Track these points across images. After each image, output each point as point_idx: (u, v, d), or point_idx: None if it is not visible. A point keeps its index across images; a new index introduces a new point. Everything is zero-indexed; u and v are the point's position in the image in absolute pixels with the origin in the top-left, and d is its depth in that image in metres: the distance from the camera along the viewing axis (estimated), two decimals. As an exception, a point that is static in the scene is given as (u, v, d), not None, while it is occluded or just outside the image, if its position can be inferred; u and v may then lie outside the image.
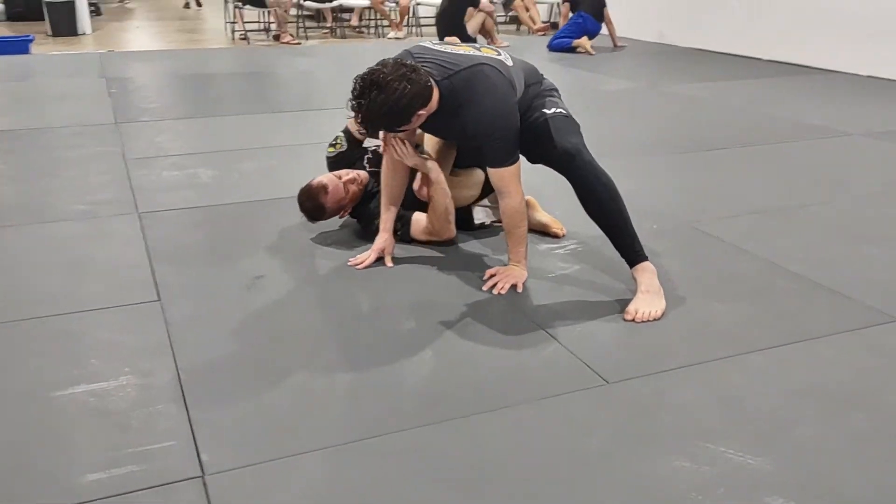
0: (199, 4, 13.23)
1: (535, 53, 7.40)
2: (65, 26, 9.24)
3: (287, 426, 1.78)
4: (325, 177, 2.82)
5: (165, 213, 3.16)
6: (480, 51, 2.45)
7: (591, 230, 2.52)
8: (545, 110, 2.43)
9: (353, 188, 2.82)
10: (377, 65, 2.26)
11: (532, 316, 2.31)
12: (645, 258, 2.41)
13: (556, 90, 2.59)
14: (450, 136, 2.63)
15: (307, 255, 2.77)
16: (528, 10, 9.63)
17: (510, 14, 10.25)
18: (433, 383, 1.97)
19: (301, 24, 9.62)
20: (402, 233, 2.79)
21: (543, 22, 9.94)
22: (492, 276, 2.52)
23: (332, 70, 6.81)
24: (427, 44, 2.48)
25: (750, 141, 4.38)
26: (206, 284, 2.53)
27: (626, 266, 2.42)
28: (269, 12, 9.17)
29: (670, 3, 8.40)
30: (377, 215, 2.72)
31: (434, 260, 2.71)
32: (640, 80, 6.44)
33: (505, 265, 2.57)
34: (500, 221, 2.76)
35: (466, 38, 7.68)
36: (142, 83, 6.09)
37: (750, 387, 1.94)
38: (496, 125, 2.32)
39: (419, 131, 2.59)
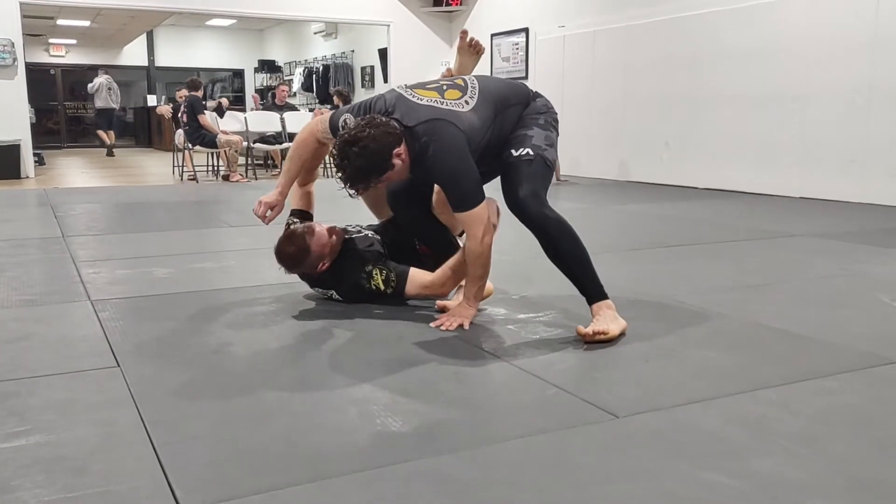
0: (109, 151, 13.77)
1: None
2: (8, 169, 9.13)
3: (264, 463, 1.57)
4: (307, 223, 2.74)
5: (120, 301, 2.97)
6: (445, 95, 2.48)
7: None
8: (512, 150, 2.49)
9: (334, 237, 2.74)
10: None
11: (510, 359, 2.18)
12: (604, 296, 2.46)
13: (544, 112, 2.59)
14: (424, 180, 2.66)
15: (273, 324, 2.61)
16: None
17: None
18: (422, 420, 1.80)
19: (251, 165, 9.74)
20: (396, 286, 2.71)
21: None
22: (442, 313, 2.62)
23: (284, 198, 6.81)
24: (399, 89, 2.54)
25: (706, 240, 4.47)
26: (169, 352, 2.33)
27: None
28: (217, 154, 9.28)
29: (606, 142, 8.84)
30: (359, 269, 2.71)
31: (409, 310, 2.58)
32: (585, 203, 6.63)
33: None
34: None
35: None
36: (89, 209, 5.96)
37: (771, 414, 1.83)
38: (453, 173, 2.41)
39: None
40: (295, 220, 2.95)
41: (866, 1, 6.09)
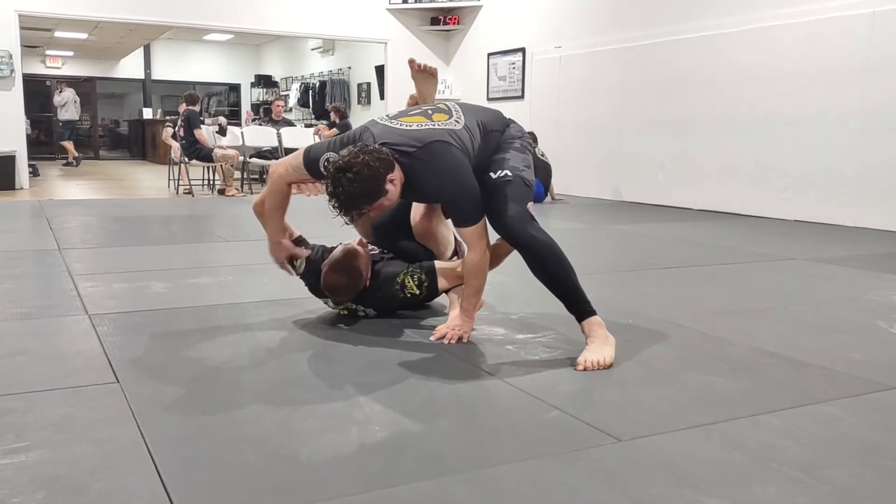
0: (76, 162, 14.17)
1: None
2: (3, 180, 9.10)
3: (266, 484, 1.56)
4: (341, 246, 2.79)
5: (118, 315, 2.95)
6: (433, 118, 2.51)
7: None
8: (492, 174, 2.53)
9: (367, 251, 2.80)
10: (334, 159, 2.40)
11: (511, 381, 2.17)
12: (592, 313, 2.46)
13: (519, 137, 2.66)
14: (422, 200, 2.77)
15: (272, 342, 2.59)
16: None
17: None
18: (423, 442, 1.79)
19: (246, 179, 9.74)
20: (429, 285, 2.74)
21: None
22: (442, 330, 2.63)
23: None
24: (381, 121, 2.54)
25: (703, 262, 4.48)
26: (169, 368, 2.31)
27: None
28: (213, 168, 9.28)
29: (601, 162, 8.88)
30: (392, 282, 2.77)
31: (409, 328, 2.57)
32: (582, 223, 6.64)
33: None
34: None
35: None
36: (84, 221, 5.94)
37: (773, 441, 1.83)
38: (457, 192, 2.45)
39: None
40: (308, 248, 2.89)
41: (860, 25, 6.16)
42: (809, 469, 1.68)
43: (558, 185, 8.56)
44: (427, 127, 2.47)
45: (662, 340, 2.72)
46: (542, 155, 8.34)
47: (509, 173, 2.52)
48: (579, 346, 2.60)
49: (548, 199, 8.34)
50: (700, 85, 7.56)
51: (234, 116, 17.80)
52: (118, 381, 2.17)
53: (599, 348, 2.40)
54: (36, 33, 13.47)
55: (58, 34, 14.45)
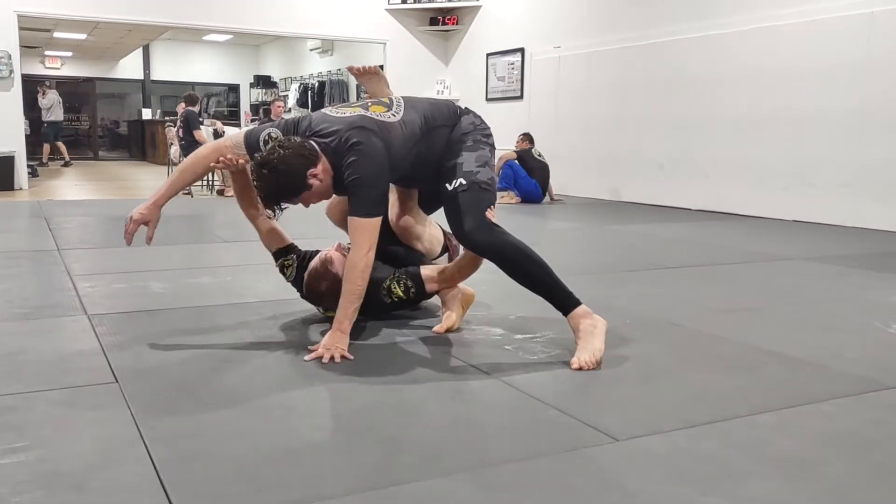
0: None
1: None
2: (2, 181, 9.11)
3: (265, 481, 1.57)
4: (320, 253, 2.78)
5: (117, 315, 2.96)
6: (370, 109, 2.52)
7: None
8: (447, 185, 2.51)
9: (345, 255, 2.71)
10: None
11: (509, 380, 2.18)
12: (576, 304, 2.44)
13: (471, 132, 2.61)
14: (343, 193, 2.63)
15: (270, 341, 2.60)
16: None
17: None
18: (421, 441, 1.80)
19: (244, 182, 9.73)
20: (416, 290, 2.70)
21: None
22: (319, 351, 2.39)
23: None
24: (324, 111, 2.58)
25: (700, 262, 4.49)
26: (167, 367, 2.32)
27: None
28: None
29: (599, 162, 8.89)
30: (378, 288, 2.70)
31: (404, 328, 2.58)
32: (581, 221, 6.66)
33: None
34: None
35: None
36: (83, 221, 5.95)
37: (769, 439, 1.84)
38: (357, 177, 2.39)
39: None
40: (289, 259, 2.87)
41: (860, 25, 6.18)
42: (805, 466, 1.68)
43: (556, 184, 8.58)
44: (358, 115, 2.48)
45: (660, 339, 2.73)
46: (540, 155, 8.36)
47: (463, 181, 2.50)
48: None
49: (546, 199, 8.35)
50: (699, 85, 7.58)
51: (234, 117, 17.82)
52: (117, 381, 2.17)
53: (587, 343, 2.39)
54: (35, 34, 13.48)
55: (57, 35, 14.46)
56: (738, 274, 4.16)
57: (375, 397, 2.09)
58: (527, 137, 8.55)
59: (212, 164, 2.62)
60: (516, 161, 8.19)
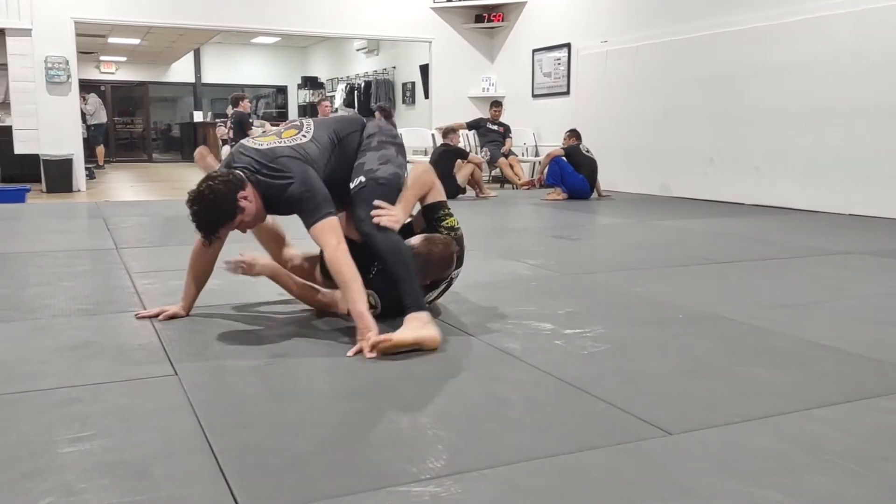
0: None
1: (521, 206, 7.59)
2: (61, 182, 9.41)
3: (321, 472, 1.60)
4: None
5: (174, 311, 3.04)
6: (283, 136, 2.72)
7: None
8: (350, 184, 2.71)
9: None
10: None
11: (559, 375, 2.19)
12: (421, 308, 2.52)
13: (375, 133, 2.82)
14: (281, 212, 2.77)
15: (325, 336, 2.65)
16: (512, 167, 10.03)
17: (493, 173, 10.62)
18: (475, 433, 1.81)
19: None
20: (378, 306, 2.73)
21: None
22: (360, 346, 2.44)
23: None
24: (247, 142, 2.76)
25: (752, 257, 4.42)
26: (224, 361, 2.39)
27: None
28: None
29: (648, 157, 8.79)
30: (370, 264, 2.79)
31: (449, 320, 2.60)
32: (629, 217, 6.59)
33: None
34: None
35: (456, 189, 7.94)
36: (141, 222, 6.11)
37: (826, 434, 1.81)
38: (303, 189, 2.57)
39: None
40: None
41: (917, 15, 5.99)
42: (862, 461, 1.66)
43: (605, 180, 8.51)
44: (275, 146, 2.66)
45: (711, 334, 2.70)
46: (588, 151, 8.31)
47: (363, 179, 2.70)
48: (627, 340, 2.61)
49: (594, 195, 8.30)
50: (747, 77, 7.44)
51: (282, 118, 18.06)
52: (176, 374, 2.24)
53: (402, 329, 2.45)
54: (91, 39, 13.87)
55: (111, 40, 14.85)
56: (791, 268, 4.08)
57: (422, 390, 2.12)
58: (574, 134, 8.51)
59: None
60: (563, 158, 8.15)
